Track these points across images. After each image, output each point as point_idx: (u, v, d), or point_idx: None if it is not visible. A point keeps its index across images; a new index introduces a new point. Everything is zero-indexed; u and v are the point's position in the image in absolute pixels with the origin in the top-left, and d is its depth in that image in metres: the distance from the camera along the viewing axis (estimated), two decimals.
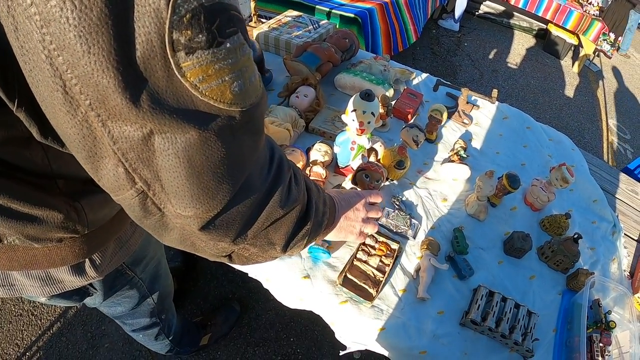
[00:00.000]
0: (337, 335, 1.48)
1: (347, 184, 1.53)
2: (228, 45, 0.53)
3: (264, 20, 2.74)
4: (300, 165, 1.62)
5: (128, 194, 0.63)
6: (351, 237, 1.25)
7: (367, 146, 1.62)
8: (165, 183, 0.61)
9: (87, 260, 1.03)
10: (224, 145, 0.60)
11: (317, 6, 4.11)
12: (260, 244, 0.84)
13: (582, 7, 6.19)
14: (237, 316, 2.55)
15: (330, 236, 1.20)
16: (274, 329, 2.56)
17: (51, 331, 2.49)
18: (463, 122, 2.10)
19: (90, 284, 1.19)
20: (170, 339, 1.88)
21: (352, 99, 1.46)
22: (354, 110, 1.44)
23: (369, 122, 1.46)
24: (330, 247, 1.43)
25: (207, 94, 0.54)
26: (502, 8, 7.27)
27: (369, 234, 1.41)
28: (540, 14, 6.36)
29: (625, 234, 1.83)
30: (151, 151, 0.56)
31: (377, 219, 1.37)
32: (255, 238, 0.80)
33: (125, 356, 2.40)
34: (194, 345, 2.31)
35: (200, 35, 0.50)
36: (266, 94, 0.67)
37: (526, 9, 6.48)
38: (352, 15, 4.01)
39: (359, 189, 1.47)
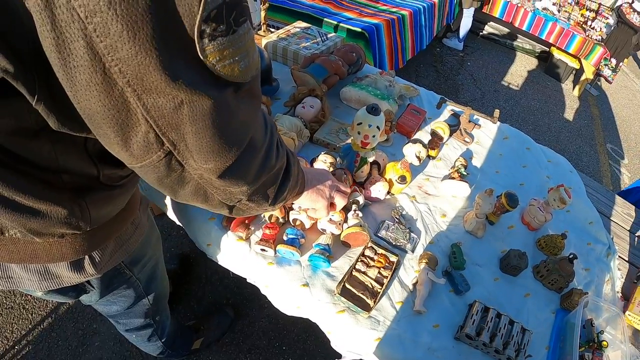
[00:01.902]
0: (333, 344, 1.48)
1: None
2: (240, 31, 0.64)
3: (273, 29, 2.77)
4: None
5: (156, 155, 0.72)
6: (322, 201, 1.36)
7: (371, 159, 1.65)
8: (189, 142, 0.71)
9: (86, 257, 1.06)
10: (234, 109, 0.72)
11: (325, 19, 4.15)
12: (258, 198, 0.99)
13: (585, 32, 6.26)
14: (230, 322, 2.55)
15: (304, 199, 1.31)
16: (266, 337, 2.55)
17: (42, 326, 2.49)
18: (464, 141, 2.13)
19: (88, 281, 1.21)
20: (163, 340, 1.88)
21: (358, 113, 1.49)
22: (360, 123, 1.47)
23: (373, 136, 1.49)
24: (331, 256, 1.45)
25: (221, 71, 0.64)
26: (506, 30, 7.34)
27: (368, 247, 1.45)
28: (543, 37, 6.42)
29: (619, 256, 1.86)
30: (180, 118, 0.66)
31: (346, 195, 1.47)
32: (257, 189, 0.95)
33: (116, 356, 2.40)
34: (186, 349, 2.31)
35: (222, 26, 0.60)
36: (260, 65, 0.81)
37: (530, 32, 6.54)
38: (359, 29, 4.05)
39: None
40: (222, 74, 0.65)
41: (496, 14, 6.71)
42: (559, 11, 6.55)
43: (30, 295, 2.61)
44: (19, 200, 0.80)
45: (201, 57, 0.61)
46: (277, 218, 1.50)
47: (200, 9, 0.56)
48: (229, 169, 0.80)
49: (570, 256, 1.56)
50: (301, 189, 1.24)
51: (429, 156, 1.97)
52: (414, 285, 1.46)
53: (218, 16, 0.59)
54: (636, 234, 2.10)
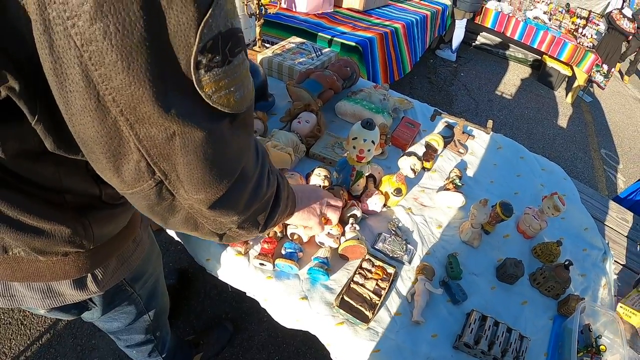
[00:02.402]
0: (332, 356, 1.49)
1: None
2: (235, 62, 0.65)
3: (268, 45, 2.80)
4: None
5: (147, 184, 0.72)
6: (313, 219, 1.37)
7: (366, 173, 1.67)
8: (180, 173, 0.71)
9: (89, 275, 1.06)
10: (228, 140, 0.72)
11: (319, 33, 4.17)
12: (248, 225, 0.98)
13: (576, 39, 6.32)
14: (229, 336, 2.55)
15: (295, 219, 1.32)
16: (266, 351, 2.55)
17: (40, 342, 2.49)
18: (459, 152, 2.16)
19: (90, 299, 1.21)
20: (163, 356, 1.87)
21: (353, 127, 1.51)
22: (355, 138, 1.50)
23: (368, 150, 1.51)
24: (329, 269, 1.46)
25: (217, 102, 0.65)
26: (498, 39, 7.41)
27: (366, 259, 1.47)
28: (535, 46, 6.47)
29: (615, 260, 1.88)
30: (172, 148, 0.66)
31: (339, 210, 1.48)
32: (247, 218, 0.95)
33: None
34: None
35: (218, 57, 0.61)
36: (253, 95, 0.79)
37: (522, 41, 6.60)
38: (353, 43, 4.08)
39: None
40: (218, 105, 0.66)
41: (488, 24, 6.78)
42: (550, 20, 6.62)
43: (29, 311, 2.61)
44: (23, 220, 0.81)
45: (197, 88, 0.62)
46: (275, 232, 1.51)
47: (197, 40, 0.57)
48: (220, 200, 0.80)
49: (566, 263, 1.58)
50: (291, 210, 1.24)
51: (424, 168, 1.99)
52: (412, 296, 1.47)
53: (214, 47, 0.60)
54: (638, 242, 2.11)
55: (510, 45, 7.39)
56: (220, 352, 2.49)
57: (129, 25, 0.52)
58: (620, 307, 1.63)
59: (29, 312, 2.60)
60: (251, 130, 0.83)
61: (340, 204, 1.47)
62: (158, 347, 1.78)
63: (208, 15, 0.57)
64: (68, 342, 2.49)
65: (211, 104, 0.65)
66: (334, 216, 1.44)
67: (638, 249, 2.10)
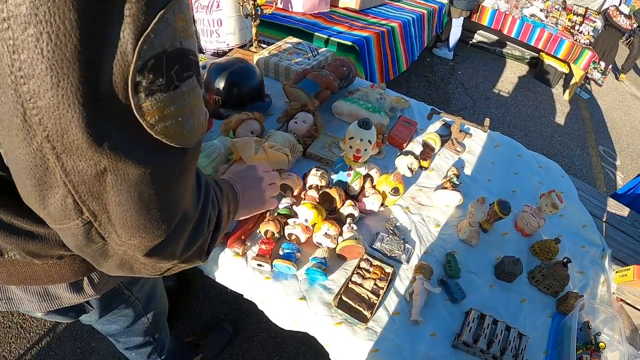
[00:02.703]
0: (331, 357, 1.49)
1: (303, 210, 1.55)
2: (184, 88, 0.58)
3: (264, 45, 2.80)
4: (296, 190, 1.67)
5: (73, 223, 0.65)
6: (260, 207, 1.35)
7: (363, 173, 1.67)
8: (112, 215, 0.63)
9: (85, 278, 1.05)
10: (172, 180, 0.66)
11: (315, 33, 4.19)
12: (191, 261, 0.90)
13: (573, 36, 6.32)
14: (229, 337, 2.55)
15: (242, 214, 1.29)
16: (265, 352, 2.56)
17: (40, 345, 2.49)
18: (456, 150, 2.16)
19: (87, 302, 1.21)
20: (162, 358, 1.87)
21: (349, 127, 1.52)
22: (352, 137, 1.50)
23: (365, 150, 1.52)
24: (327, 270, 1.46)
25: (162, 132, 0.58)
26: (495, 37, 7.41)
27: (364, 259, 1.48)
28: (532, 44, 6.48)
29: (614, 257, 1.88)
30: (102, 186, 0.59)
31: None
32: (189, 256, 0.86)
33: None
34: None
35: (161, 79, 0.55)
36: (206, 127, 0.73)
37: (518, 39, 6.60)
38: (349, 43, 4.09)
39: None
40: (163, 137, 0.59)
41: (485, 22, 6.78)
42: (546, 17, 6.62)
43: (28, 315, 2.61)
44: (16, 224, 0.79)
45: (137, 115, 0.55)
46: (273, 233, 1.51)
47: (135, 56, 0.51)
48: (157, 247, 0.73)
49: (564, 260, 1.58)
50: (234, 216, 1.20)
51: (421, 167, 1.99)
52: (410, 295, 1.47)
53: (156, 67, 0.54)
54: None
55: (507, 43, 7.40)
56: (220, 353, 2.50)
57: (63, 35, 0.46)
58: (615, 273, 1.65)
59: (28, 315, 2.60)
60: (196, 163, 0.76)
61: (276, 176, 1.43)
62: (157, 349, 1.78)
63: (149, 29, 0.51)
64: (67, 345, 2.49)
65: (154, 135, 0.58)
66: (276, 189, 1.42)
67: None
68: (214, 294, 2.79)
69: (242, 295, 1.61)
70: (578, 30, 6.51)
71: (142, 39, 0.51)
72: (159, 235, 0.70)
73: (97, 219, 0.64)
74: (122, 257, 0.75)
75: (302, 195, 1.66)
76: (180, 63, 0.57)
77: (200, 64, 2.24)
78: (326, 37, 4.16)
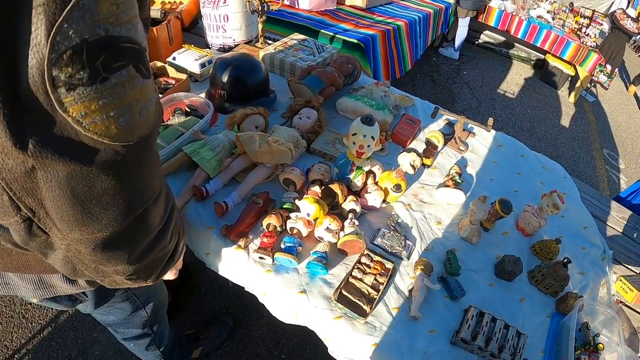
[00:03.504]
0: (330, 351, 1.50)
1: (305, 204, 1.56)
2: (114, 80, 0.55)
3: (270, 42, 2.81)
4: (299, 184, 1.68)
5: (13, 220, 0.64)
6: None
7: (366, 169, 1.68)
8: (49, 210, 0.62)
9: None
10: (108, 177, 0.62)
11: (321, 30, 4.19)
12: (137, 275, 0.88)
13: (580, 39, 6.31)
14: (229, 331, 2.56)
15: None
16: (265, 346, 2.57)
17: (42, 335, 2.51)
18: (459, 149, 2.16)
19: (83, 292, 1.22)
20: (161, 350, 1.88)
21: (353, 123, 1.53)
22: (355, 134, 1.51)
23: (368, 146, 1.53)
24: (328, 264, 1.47)
25: (90, 128, 0.55)
26: (501, 38, 7.39)
27: (364, 254, 1.50)
28: (538, 45, 6.47)
29: (614, 259, 1.88)
30: (34, 183, 0.58)
31: None
32: (138, 269, 0.84)
33: None
34: (185, 358, 2.31)
35: (82, 72, 0.51)
36: (158, 125, 0.70)
37: (525, 40, 6.59)
38: (355, 40, 4.09)
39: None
40: (92, 133, 0.56)
41: (491, 22, 6.76)
42: (553, 19, 6.61)
43: (30, 304, 2.64)
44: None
45: (59, 111, 0.53)
46: (275, 227, 1.52)
47: (48, 49, 0.48)
48: (102, 243, 0.71)
49: (565, 260, 1.58)
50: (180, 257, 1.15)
51: (423, 164, 2.00)
52: (410, 291, 1.48)
53: (75, 59, 0.50)
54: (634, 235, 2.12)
55: (514, 44, 7.38)
56: (221, 346, 2.51)
57: None
58: (620, 280, 1.65)
59: (30, 305, 2.62)
60: (151, 169, 0.73)
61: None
62: (155, 341, 1.79)
63: (61, 18, 0.48)
64: (69, 335, 2.51)
65: (83, 131, 0.55)
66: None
67: (635, 235, 2.10)
68: (216, 288, 2.81)
69: (243, 289, 1.62)
70: (585, 32, 6.50)
71: (54, 29, 0.48)
72: (99, 230, 0.68)
73: (36, 214, 0.64)
74: (65, 253, 0.74)
75: (305, 190, 1.67)
76: (107, 53, 0.53)
77: (207, 58, 2.27)
78: (332, 34, 4.16)
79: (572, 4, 6.74)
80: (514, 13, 6.52)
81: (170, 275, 1.28)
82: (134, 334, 1.66)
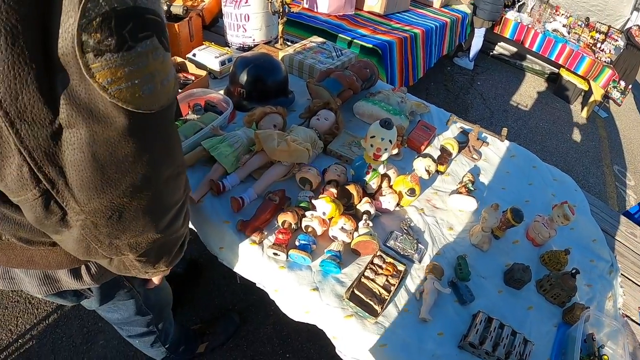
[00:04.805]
0: (337, 350, 1.52)
1: (321, 203, 1.58)
2: (139, 49, 0.57)
3: (289, 43, 2.84)
4: (315, 183, 1.71)
5: (31, 194, 0.65)
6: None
7: (382, 172, 1.71)
8: (69, 177, 0.64)
9: (83, 266, 1.07)
10: (129, 144, 0.65)
11: (339, 34, 4.21)
12: (150, 259, 0.91)
13: (594, 54, 6.29)
14: (235, 327, 2.57)
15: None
16: (270, 344, 2.58)
17: (47, 322, 2.53)
18: (472, 157, 2.18)
19: (89, 289, 1.23)
20: (166, 346, 1.90)
21: (371, 126, 1.56)
22: (373, 136, 1.53)
23: (385, 149, 1.55)
24: (341, 263, 1.50)
25: (116, 95, 0.58)
26: (516, 50, 7.39)
27: (377, 255, 1.52)
28: (553, 58, 6.45)
29: (622, 274, 1.89)
30: (58, 146, 0.60)
31: None
32: (151, 248, 0.86)
33: (120, 355, 2.43)
34: (191, 353, 2.34)
35: (110, 39, 0.53)
36: (175, 99, 0.72)
37: (540, 53, 6.58)
38: (372, 46, 4.11)
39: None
40: (117, 100, 0.58)
41: (507, 34, 6.76)
42: (569, 33, 6.60)
43: None
44: (5, 212, 0.79)
45: (87, 76, 0.55)
46: (290, 224, 1.55)
47: (79, 14, 0.50)
48: (120, 210, 0.73)
49: (573, 271, 1.60)
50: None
51: (437, 171, 2.02)
52: (420, 294, 1.50)
53: (103, 26, 0.52)
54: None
55: (528, 56, 7.37)
56: (226, 342, 2.53)
57: None
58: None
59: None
60: (170, 136, 0.75)
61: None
62: (161, 338, 1.81)
63: None
64: (75, 323, 2.54)
65: (108, 98, 0.58)
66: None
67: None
68: (224, 284, 2.83)
69: (251, 286, 1.64)
70: (599, 47, 6.48)
71: None
72: (118, 196, 0.70)
73: (55, 185, 0.65)
74: (80, 231, 0.74)
75: (321, 190, 1.69)
76: (134, 22, 0.55)
77: (227, 56, 2.30)
78: (350, 39, 4.18)
79: (588, 18, 6.74)
80: (529, 25, 6.52)
81: (156, 280, 1.30)
82: (139, 332, 1.68)
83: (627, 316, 1.73)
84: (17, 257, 0.97)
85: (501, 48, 7.59)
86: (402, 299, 1.49)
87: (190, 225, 1.78)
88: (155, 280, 1.29)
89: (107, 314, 1.50)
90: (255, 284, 1.68)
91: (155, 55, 0.60)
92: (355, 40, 4.17)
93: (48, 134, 0.58)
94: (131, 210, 0.74)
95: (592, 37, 6.60)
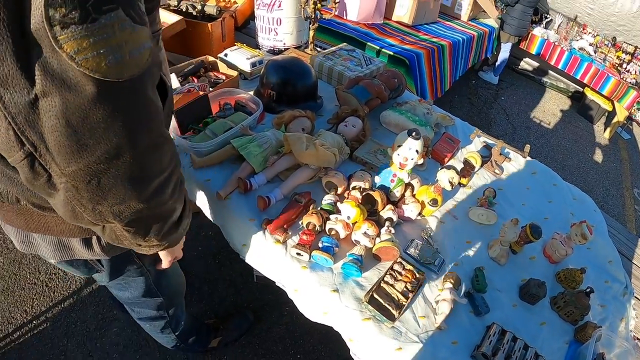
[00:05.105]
0: (351, 352, 1.56)
1: (346, 208, 1.62)
2: (103, 21, 0.62)
3: (319, 49, 2.89)
4: (341, 188, 1.75)
5: (17, 155, 0.72)
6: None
7: (406, 181, 1.74)
8: (49, 143, 0.70)
9: (94, 237, 1.13)
10: (99, 111, 0.69)
11: (367, 43, 4.25)
12: (138, 230, 0.95)
13: (620, 74, 6.24)
14: (249, 325, 2.61)
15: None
16: (282, 344, 2.61)
17: (62, 305, 2.60)
18: (495, 172, 2.21)
19: (99, 261, 1.29)
20: (176, 334, 1.94)
21: (399, 135, 1.60)
22: (400, 145, 1.57)
23: (412, 159, 1.59)
24: (362, 267, 1.53)
25: (83, 64, 0.63)
26: (541, 67, 7.35)
27: (397, 262, 1.55)
28: (578, 77, 6.41)
29: (636, 296, 1.90)
30: (36, 114, 0.66)
31: None
32: (136, 218, 0.90)
33: (132, 343, 2.48)
34: (202, 345, 2.39)
35: (74, 12, 0.59)
36: (152, 71, 0.78)
37: (565, 71, 6.54)
38: (400, 56, 4.15)
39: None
40: (84, 69, 0.63)
41: (533, 50, 6.74)
42: (595, 52, 6.56)
43: (55, 274, 2.74)
44: (10, 173, 0.87)
45: (56, 47, 0.60)
46: (315, 226, 1.59)
47: None
48: (98, 175, 0.77)
49: (588, 290, 1.62)
50: (178, 240, 1.18)
51: (459, 183, 2.05)
52: (437, 302, 1.53)
53: (68, 0, 0.58)
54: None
55: (553, 73, 7.34)
56: (239, 338, 2.57)
57: None
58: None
59: (54, 275, 2.73)
60: (144, 104, 0.79)
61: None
62: (171, 325, 1.86)
63: None
64: (90, 309, 2.60)
65: (76, 66, 0.63)
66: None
67: None
68: (240, 282, 2.87)
69: (267, 286, 1.68)
70: (625, 68, 6.43)
71: None
72: (94, 162, 0.75)
73: (37, 149, 0.71)
74: (65, 193, 0.80)
75: (346, 195, 1.73)
76: None
77: (258, 58, 2.35)
78: (378, 47, 4.22)
79: (614, 38, 6.69)
80: (556, 43, 6.49)
81: (165, 262, 1.32)
82: (149, 315, 1.73)
83: (638, 339, 1.74)
84: (34, 222, 1.05)
85: (526, 64, 7.57)
86: (419, 306, 1.52)
87: (214, 222, 1.84)
88: (165, 261, 1.32)
89: (118, 292, 1.54)
90: (274, 283, 1.72)
91: (121, 27, 0.65)
92: (383, 50, 4.21)
93: (27, 102, 0.64)
94: (109, 176, 0.78)
95: (618, 57, 6.56)
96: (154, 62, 0.78)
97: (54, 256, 1.17)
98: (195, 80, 2.30)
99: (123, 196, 0.83)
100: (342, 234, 1.60)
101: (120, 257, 1.28)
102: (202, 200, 1.87)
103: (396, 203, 1.78)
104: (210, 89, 2.17)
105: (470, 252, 1.78)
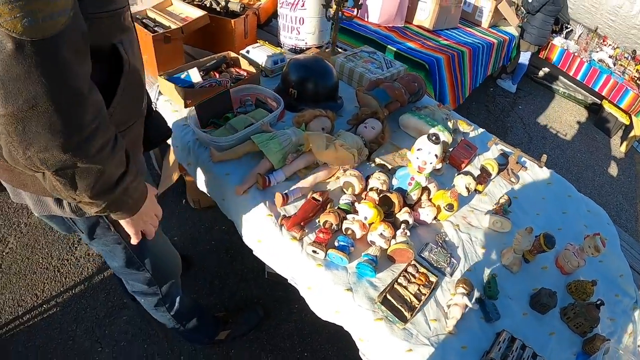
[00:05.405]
0: (360, 353, 1.58)
1: (364, 208, 1.64)
2: None
3: (340, 50, 2.90)
4: (359, 188, 1.77)
5: None
6: (136, 228, 1.34)
7: (424, 184, 1.76)
8: None
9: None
10: (19, 64, 0.80)
11: (388, 46, 4.27)
12: (64, 179, 1.00)
13: (639, 88, 6.20)
14: (258, 320, 2.64)
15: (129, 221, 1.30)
16: (290, 340, 2.64)
17: (73, 291, 2.65)
18: (511, 180, 2.21)
19: (74, 222, 1.38)
20: (172, 314, 2.01)
21: (419, 139, 1.61)
22: (420, 149, 1.59)
23: (430, 163, 1.61)
24: (376, 267, 1.55)
25: (3, 25, 0.74)
26: (560, 77, 7.32)
27: (411, 264, 1.57)
28: (596, 89, 6.38)
29: None
30: None
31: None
32: (62, 165, 0.96)
33: (141, 332, 2.52)
34: (209, 337, 2.43)
35: None
36: (69, 36, 0.86)
37: (584, 82, 6.51)
38: (420, 60, 4.16)
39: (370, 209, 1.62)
40: (4, 29, 0.75)
41: (552, 60, 6.72)
42: (614, 64, 6.51)
43: (67, 260, 2.80)
44: None
45: None
46: (332, 224, 1.61)
47: None
48: (23, 120, 0.86)
49: (598, 302, 1.63)
50: (133, 208, 1.24)
51: (475, 190, 2.05)
52: (449, 306, 1.54)
53: None
54: None
55: (571, 84, 7.30)
56: (247, 333, 2.60)
57: None
58: None
59: (67, 260, 2.79)
60: (67, 69, 0.88)
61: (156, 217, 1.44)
62: (165, 303, 1.93)
63: None
64: (100, 296, 2.65)
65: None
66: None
67: None
68: (251, 277, 2.90)
69: (277, 283, 1.70)
70: None
71: None
72: (18, 109, 0.84)
73: None
74: (3, 139, 0.90)
75: (363, 195, 1.75)
76: None
77: (280, 56, 2.37)
78: (398, 51, 4.24)
79: (634, 51, 6.63)
80: (575, 53, 6.47)
81: (130, 233, 1.35)
82: (141, 290, 1.81)
83: None
84: (15, 178, 1.20)
85: (545, 73, 7.54)
86: (431, 309, 1.54)
87: (229, 217, 1.86)
88: (130, 232, 1.35)
89: (107, 260, 1.64)
90: (286, 280, 1.74)
91: None
92: (403, 53, 4.22)
93: None
94: (32, 123, 0.87)
95: (637, 70, 6.50)
96: (75, 28, 0.87)
97: (35, 209, 1.32)
98: (217, 75, 2.32)
99: (46, 144, 0.90)
100: (358, 234, 1.61)
101: (90, 219, 1.37)
102: (217, 195, 1.90)
103: (412, 206, 1.80)
104: (232, 85, 2.19)
105: (484, 259, 1.79)
